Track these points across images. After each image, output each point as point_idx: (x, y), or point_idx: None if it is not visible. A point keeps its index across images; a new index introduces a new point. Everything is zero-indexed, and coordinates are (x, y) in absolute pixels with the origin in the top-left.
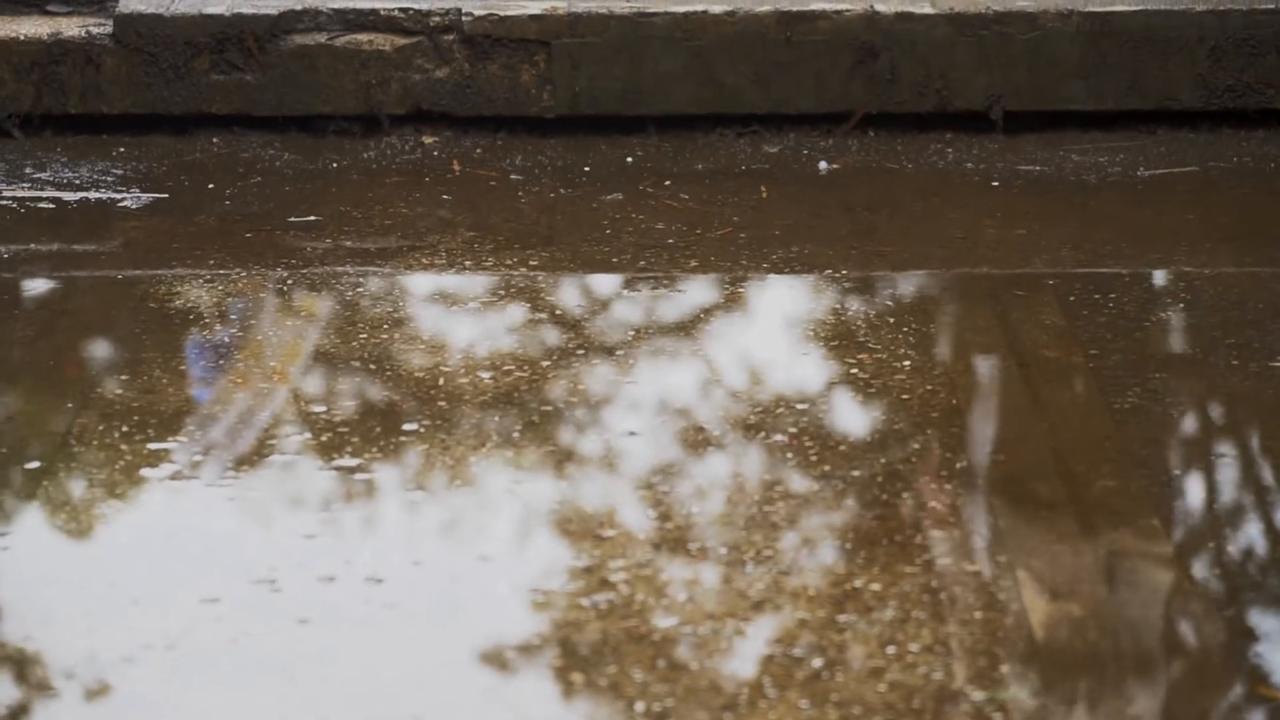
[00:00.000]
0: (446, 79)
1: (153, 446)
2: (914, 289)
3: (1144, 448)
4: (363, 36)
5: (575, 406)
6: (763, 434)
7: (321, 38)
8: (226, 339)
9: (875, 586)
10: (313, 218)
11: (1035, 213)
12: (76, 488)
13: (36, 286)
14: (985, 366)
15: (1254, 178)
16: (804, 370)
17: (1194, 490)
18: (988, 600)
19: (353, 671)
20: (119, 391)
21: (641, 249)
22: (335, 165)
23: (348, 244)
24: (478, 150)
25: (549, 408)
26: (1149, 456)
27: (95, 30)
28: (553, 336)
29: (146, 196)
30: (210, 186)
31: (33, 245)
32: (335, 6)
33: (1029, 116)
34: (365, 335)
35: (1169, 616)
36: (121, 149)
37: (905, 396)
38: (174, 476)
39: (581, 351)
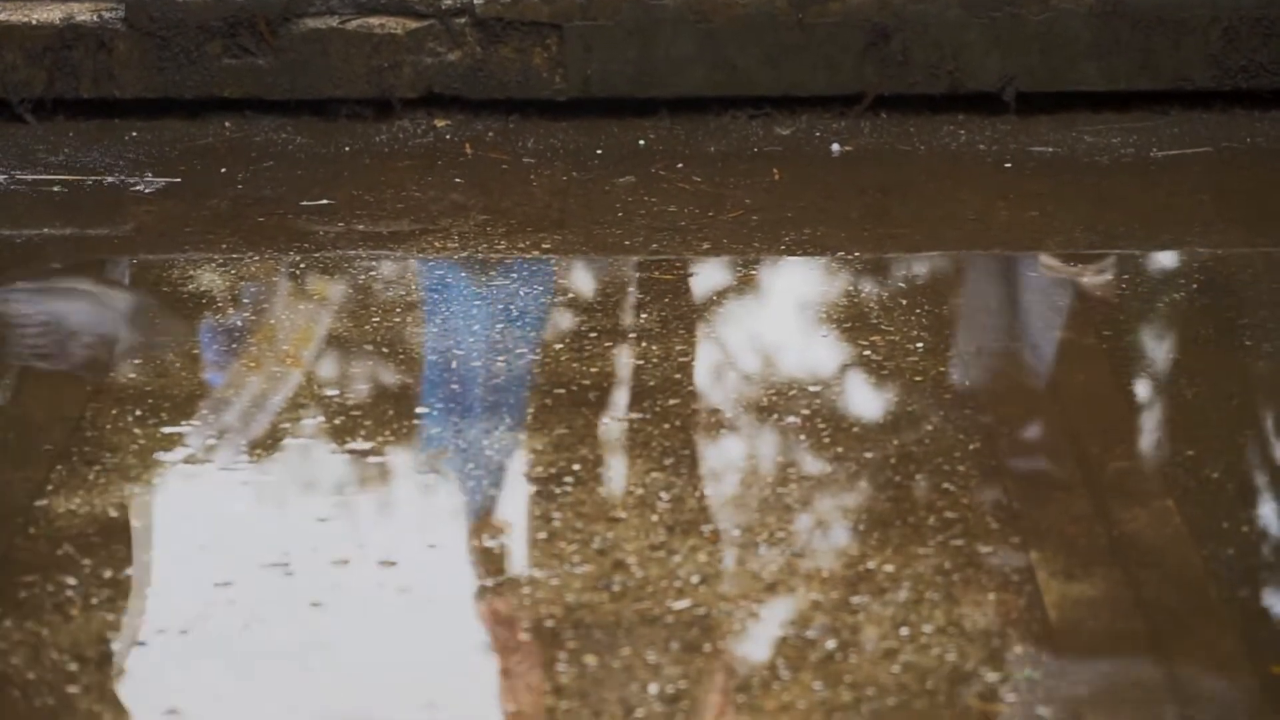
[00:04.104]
0: (458, 62)
1: (166, 430)
2: (927, 271)
3: (1157, 428)
4: (374, 20)
5: (588, 389)
6: (776, 416)
7: (333, 21)
8: (239, 323)
9: (889, 568)
10: (325, 201)
11: (1048, 194)
12: (90, 472)
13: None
14: (998, 348)
15: (1268, 158)
16: (817, 352)
17: (1208, 471)
18: (1001, 582)
19: (365, 655)
20: (132, 376)
21: (654, 231)
22: (347, 149)
23: (360, 228)
24: (490, 133)
25: (561, 390)
26: (1162, 437)
27: (107, 15)
28: (565, 319)
29: (159, 180)
30: (222, 171)
31: (46, 230)
32: None
33: (1041, 98)
34: (378, 319)
35: (1183, 597)
36: (134, 133)
37: (918, 378)
38: (187, 460)
39: (594, 334)
